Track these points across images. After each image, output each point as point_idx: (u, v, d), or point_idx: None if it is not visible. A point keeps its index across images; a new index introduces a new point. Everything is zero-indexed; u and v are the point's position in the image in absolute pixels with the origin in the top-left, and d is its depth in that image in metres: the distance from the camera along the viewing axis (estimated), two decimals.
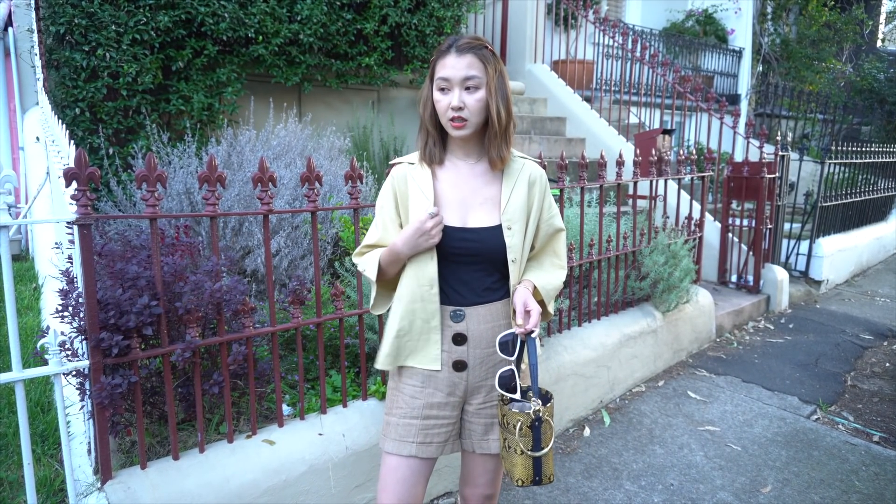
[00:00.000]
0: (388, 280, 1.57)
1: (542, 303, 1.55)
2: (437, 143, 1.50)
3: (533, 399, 1.42)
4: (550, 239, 1.61)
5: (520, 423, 1.39)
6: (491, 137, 1.48)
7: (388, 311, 1.60)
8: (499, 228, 1.49)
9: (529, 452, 1.40)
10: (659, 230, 3.77)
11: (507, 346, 1.45)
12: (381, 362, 1.56)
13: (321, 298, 2.13)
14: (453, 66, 1.40)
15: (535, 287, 1.53)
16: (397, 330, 1.52)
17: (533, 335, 1.42)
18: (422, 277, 1.48)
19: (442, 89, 1.43)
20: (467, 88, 1.41)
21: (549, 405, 1.43)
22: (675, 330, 3.82)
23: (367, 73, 4.72)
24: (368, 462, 2.13)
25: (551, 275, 1.59)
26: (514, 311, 1.45)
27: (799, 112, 8.62)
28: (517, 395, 1.43)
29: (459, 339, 1.50)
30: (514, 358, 1.45)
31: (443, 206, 1.49)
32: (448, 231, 1.47)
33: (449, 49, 1.42)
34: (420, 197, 1.50)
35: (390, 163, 1.61)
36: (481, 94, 1.42)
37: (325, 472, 2.02)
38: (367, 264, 1.55)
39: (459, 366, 1.51)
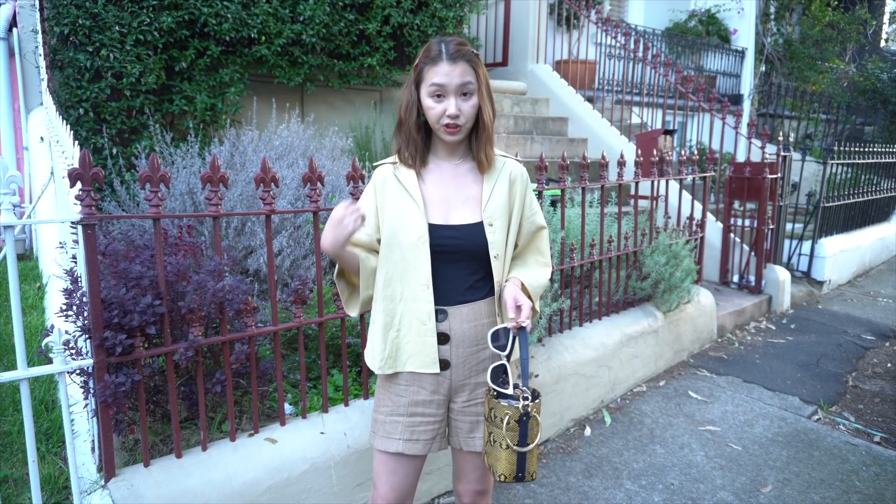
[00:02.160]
0: (355, 283, 1.62)
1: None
2: (418, 148, 1.52)
3: (522, 394, 1.42)
4: (533, 236, 1.63)
5: (507, 418, 1.39)
6: (481, 140, 1.51)
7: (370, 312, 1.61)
8: (480, 225, 1.51)
9: (515, 447, 1.39)
10: (660, 230, 3.77)
11: (498, 340, 1.46)
12: (378, 366, 1.56)
13: (323, 298, 2.14)
14: (448, 73, 1.41)
15: (522, 284, 1.54)
16: (383, 325, 1.53)
17: (525, 328, 1.43)
18: (417, 277, 1.49)
19: (436, 96, 1.44)
20: (462, 95, 1.44)
21: (536, 401, 1.43)
22: (676, 330, 3.82)
23: (369, 74, 4.73)
24: (370, 461, 2.14)
25: (537, 273, 1.61)
26: (505, 307, 1.46)
27: (802, 112, 8.61)
28: (508, 390, 1.43)
29: (442, 338, 1.52)
30: (505, 353, 1.45)
31: (426, 204, 1.51)
32: (431, 229, 1.49)
33: (440, 55, 1.42)
34: (405, 197, 1.51)
35: (374, 164, 1.63)
36: (475, 100, 1.46)
37: (327, 470, 2.03)
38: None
39: (442, 364, 1.53)
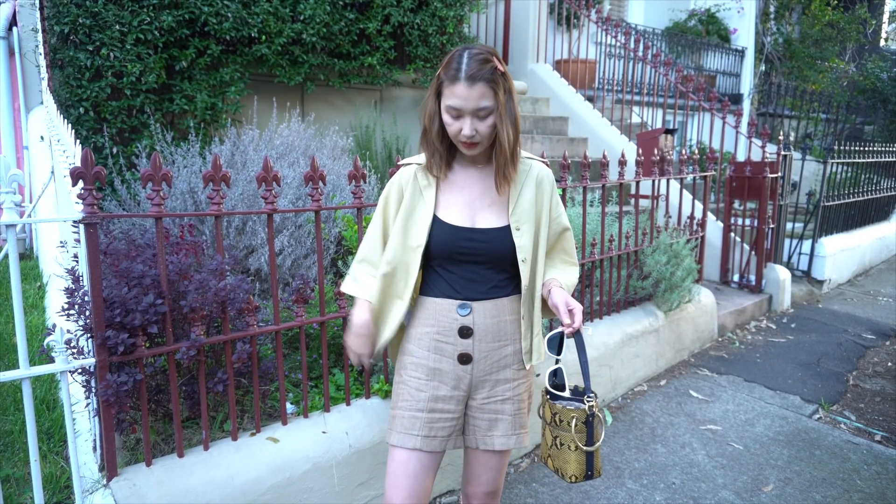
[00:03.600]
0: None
1: None
2: (443, 157, 1.52)
3: (587, 395, 1.48)
4: (559, 238, 1.64)
5: (574, 420, 1.46)
6: (499, 160, 1.48)
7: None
8: (507, 229, 1.51)
9: (585, 448, 1.46)
10: (661, 230, 3.77)
11: (554, 344, 1.52)
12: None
13: (325, 297, 2.14)
14: (465, 96, 1.38)
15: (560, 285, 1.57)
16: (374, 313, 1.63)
17: (588, 332, 1.49)
18: (409, 280, 1.56)
19: (453, 116, 1.43)
20: (479, 117, 1.42)
21: (597, 400, 1.50)
22: (677, 329, 3.82)
23: (369, 73, 4.73)
24: (372, 460, 2.14)
25: (567, 273, 1.64)
26: (557, 312, 1.49)
27: (802, 112, 8.61)
28: (566, 393, 1.51)
29: (465, 332, 1.52)
30: (559, 356, 1.51)
31: (450, 206, 1.53)
32: (456, 231, 1.50)
33: (458, 74, 1.38)
34: (419, 202, 1.54)
35: (399, 163, 1.63)
36: (491, 120, 1.42)
37: (329, 469, 2.03)
38: (354, 287, 1.64)
39: (464, 359, 1.53)
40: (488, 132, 1.44)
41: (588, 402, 1.47)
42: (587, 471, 1.47)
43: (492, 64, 1.39)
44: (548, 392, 1.55)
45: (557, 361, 1.55)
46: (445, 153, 1.52)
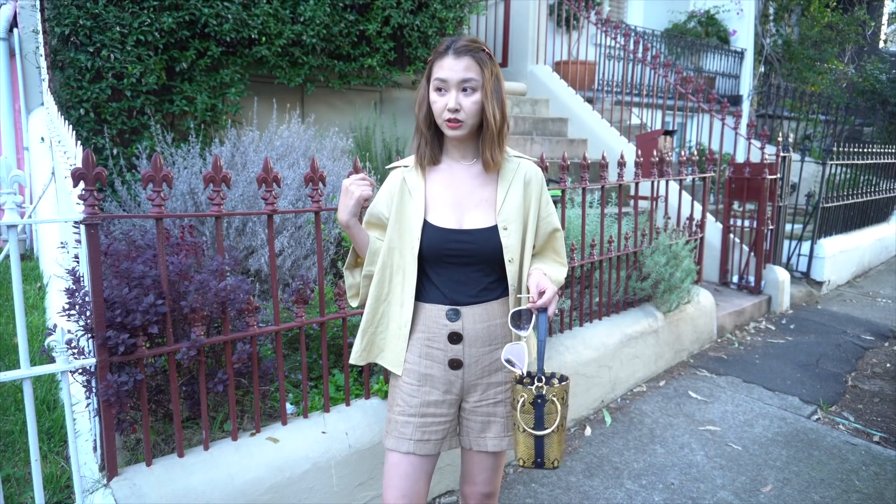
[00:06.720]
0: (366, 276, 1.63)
1: None
2: (429, 143, 1.52)
3: (537, 376, 1.43)
4: (550, 238, 1.63)
5: (522, 400, 1.40)
6: (485, 139, 1.49)
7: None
8: (494, 229, 1.50)
9: (531, 431, 1.40)
10: (660, 231, 3.78)
11: (518, 320, 1.46)
12: (354, 358, 1.63)
13: (324, 298, 2.15)
14: (451, 67, 1.42)
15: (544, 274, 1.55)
16: (364, 323, 1.59)
17: (549, 312, 1.43)
18: (403, 283, 1.53)
19: (439, 90, 1.45)
20: (464, 90, 1.43)
21: (561, 385, 1.42)
22: (676, 330, 3.83)
23: (369, 74, 4.73)
24: (371, 460, 2.14)
25: (554, 268, 1.62)
26: (529, 292, 1.46)
27: (801, 113, 8.62)
28: (518, 371, 1.44)
29: (455, 337, 1.52)
30: (525, 333, 1.46)
31: (438, 207, 1.52)
32: (443, 233, 1.49)
33: (447, 50, 1.43)
34: (409, 204, 1.53)
35: (388, 167, 1.64)
36: (477, 96, 1.44)
37: (328, 469, 2.04)
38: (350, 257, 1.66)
39: (455, 364, 1.53)
40: (473, 109, 1.44)
41: (537, 383, 1.41)
42: (536, 457, 1.41)
43: (479, 45, 1.45)
44: (511, 371, 1.48)
45: (520, 338, 1.48)
46: (431, 139, 1.52)
